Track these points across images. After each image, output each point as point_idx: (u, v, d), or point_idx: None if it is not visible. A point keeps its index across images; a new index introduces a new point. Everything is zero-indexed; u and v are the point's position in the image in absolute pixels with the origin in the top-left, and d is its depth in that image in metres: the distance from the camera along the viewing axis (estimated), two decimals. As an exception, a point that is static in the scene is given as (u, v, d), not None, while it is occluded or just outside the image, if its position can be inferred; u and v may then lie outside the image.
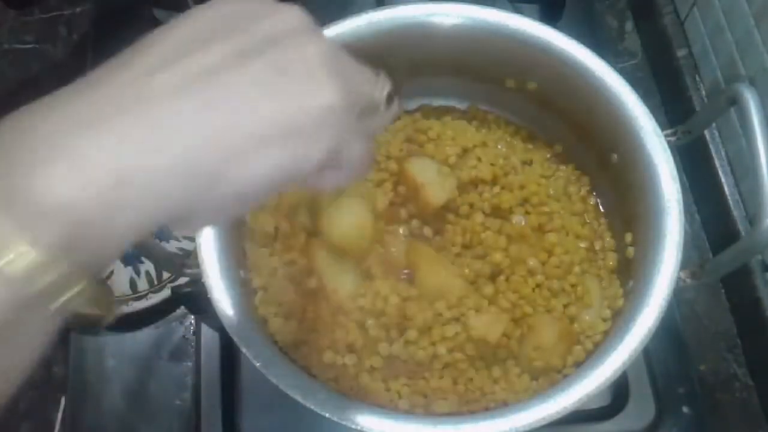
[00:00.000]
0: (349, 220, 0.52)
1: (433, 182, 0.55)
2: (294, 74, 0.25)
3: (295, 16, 0.27)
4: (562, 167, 0.59)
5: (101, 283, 0.23)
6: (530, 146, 0.60)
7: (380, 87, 0.30)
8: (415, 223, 0.55)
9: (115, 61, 0.25)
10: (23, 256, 0.21)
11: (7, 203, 0.21)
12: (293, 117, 0.25)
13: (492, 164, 0.57)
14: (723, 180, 0.66)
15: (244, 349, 0.46)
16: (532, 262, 0.53)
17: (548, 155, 0.60)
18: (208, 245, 0.48)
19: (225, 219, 0.31)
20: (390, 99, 0.30)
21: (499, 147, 0.59)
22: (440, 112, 0.61)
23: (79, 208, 0.22)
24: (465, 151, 0.58)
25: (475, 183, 0.56)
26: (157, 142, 0.23)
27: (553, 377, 0.51)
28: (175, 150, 0.23)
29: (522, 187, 0.56)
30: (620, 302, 0.52)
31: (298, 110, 0.25)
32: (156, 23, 0.76)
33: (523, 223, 0.55)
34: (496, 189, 0.56)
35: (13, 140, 0.23)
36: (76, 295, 0.22)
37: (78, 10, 0.81)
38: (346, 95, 0.26)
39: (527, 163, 0.59)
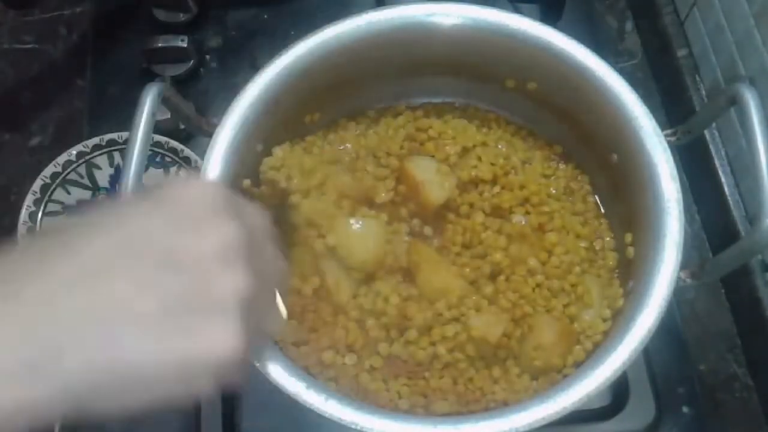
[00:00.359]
0: (367, 245, 0.52)
1: (433, 181, 0.55)
2: (205, 315, 0.27)
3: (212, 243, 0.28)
4: (563, 166, 0.59)
5: None
6: (530, 145, 0.60)
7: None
8: (415, 221, 0.55)
9: (23, 267, 0.26)
10: None
11: None
12: (187, 362, 0.27)
13: (492, 164, 0.57)
14: (723, 180, 0.66)
15: (244, 349, 0.46)
16: (532, 262, 0.53)
17: (548, 155, 0.60)
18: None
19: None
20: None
21: (500, 147, 0.59)
22: (441, 111, 0.61)
23: None
24: (465, 150, 0.58)
25: (475, 182, 0.56)
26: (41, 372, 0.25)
27: (552, 377, 0.51)
28: (59, 384, 0.25)
29: (522, 187, 0.56)
30: (620, 302, 0.52)
31: (195, 357, 0.27)
32: (156, 23, 0.76)
33: (523, 222, 0.55)
34: (497, 188, 0.56)
35: None
36: None
37: (78, 10, 0.81)
38: (245, 341, 0.28)
39: (527, 162, 0.59)
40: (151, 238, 0.27)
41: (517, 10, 0.66)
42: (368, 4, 0.67)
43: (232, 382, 0.29)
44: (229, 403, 0.60)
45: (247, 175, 0.54)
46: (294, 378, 0.45)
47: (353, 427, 0.44)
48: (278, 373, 0.45)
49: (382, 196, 0.55)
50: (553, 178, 0.58)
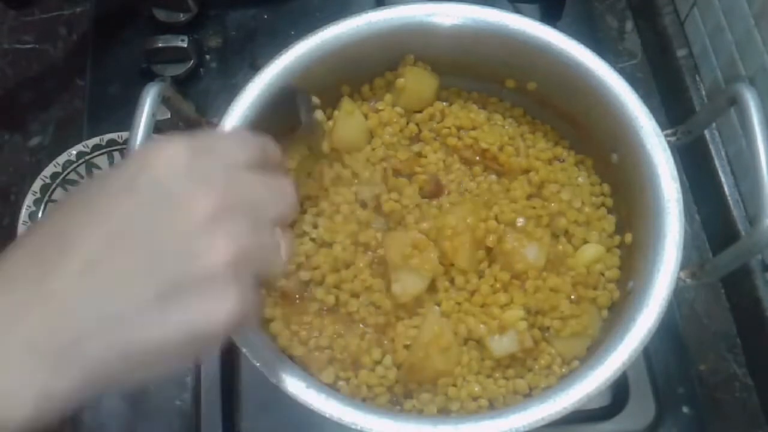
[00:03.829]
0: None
1: None
2: (198, 289, 0.29)
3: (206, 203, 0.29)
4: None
5: None
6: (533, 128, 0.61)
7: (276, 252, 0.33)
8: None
9: (39, 255, 0.28)
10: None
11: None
12: (195, 335, 0.29)
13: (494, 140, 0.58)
14: (723, 180, 0.66)
15: (244, 350, 0.46)
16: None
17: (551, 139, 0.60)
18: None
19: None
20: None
21: (505, 126, 0.60)
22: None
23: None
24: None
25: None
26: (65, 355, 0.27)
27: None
28: (82, 371, 0.27)
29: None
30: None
31: (201, 331, 0.29)
32: (156, 23, 0.76)
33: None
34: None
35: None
36: None
37: (78, 10, 0.81)
38: (243, 303, 0.29)
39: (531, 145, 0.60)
40: (131, 228, 0.28)
41: (517, 10, 0.66)
42: (368, 4, 0.67)
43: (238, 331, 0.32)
44: (229, 403, 0.60)
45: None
46: (294, 378, 0.45)
47: (353, 427, 0.44)
48: (278, 373, 0.45)
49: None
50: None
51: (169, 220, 0.29)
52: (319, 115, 0.55)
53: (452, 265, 0.53)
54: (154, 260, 0.28)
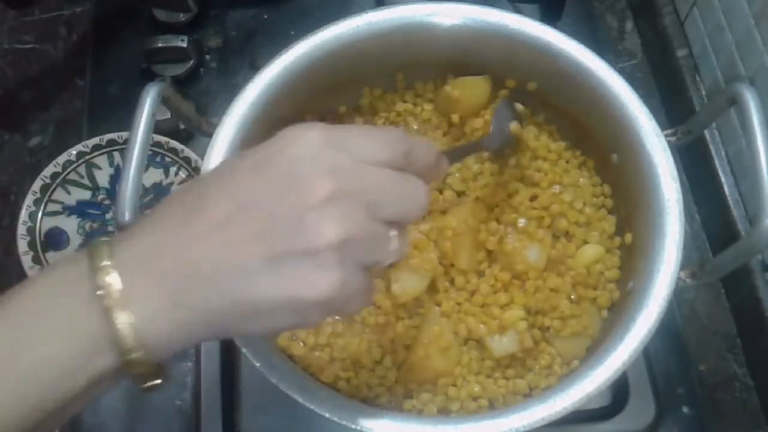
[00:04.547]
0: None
1: None
2: (304, 260, 0.32)
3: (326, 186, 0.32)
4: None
5: (160, 366, 0.33)
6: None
7: (390, 246, 0.34)
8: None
9: (175, 218, 0.34)
10: (139, 352, 0.32)
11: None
12: (295, 300, 0.32)
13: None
14: (723, 180, 0.66)
15: (244, 349, 0.46)
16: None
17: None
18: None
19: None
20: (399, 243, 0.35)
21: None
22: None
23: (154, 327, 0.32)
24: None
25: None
26: (195, 304, 0.32)
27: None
28: (202, 310, 0.32)
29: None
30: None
31: (300, 297, 0.32)
32: (156, 23, 0.76)
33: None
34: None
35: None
36: (145, 371, 0.33)
37: (78, 10, 0.81)
38: (342, 284, 0.32)
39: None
40: (259, 200, 0.32)
41: (517, 10, 0.66)
42: (368, 4, 0.67)
43: (345, 312, 0.35)
44: (229, 403, 0.60)
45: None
46: (294, 378, 0.45)
47: (353, 427, 0.44)
48: (278, 373, 0.45)
49: None
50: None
51: (289, 197, 0.32)
52: (515, 126, 0.55)
53: (452, 265, 0.53)
54: (270, 229, 0.32)
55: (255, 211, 0.32)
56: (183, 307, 0.32)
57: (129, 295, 0.31)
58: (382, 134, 0.36)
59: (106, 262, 0.32)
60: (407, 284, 0.51)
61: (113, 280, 0.31)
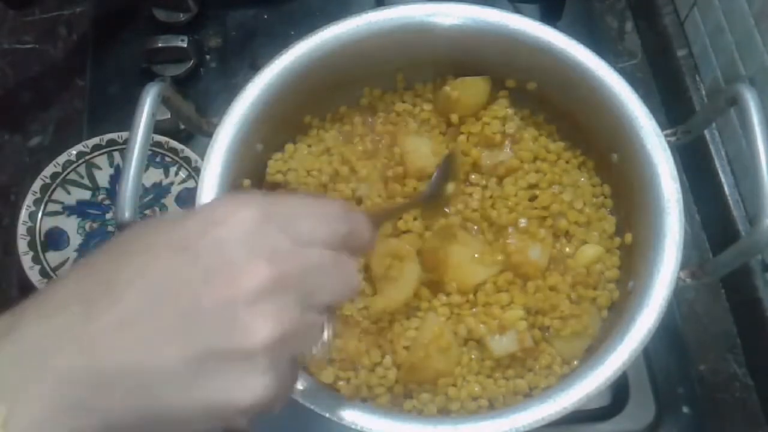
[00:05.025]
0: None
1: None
2: (233, 362, 0.28)
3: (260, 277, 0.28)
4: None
5: None
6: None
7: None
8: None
9: (71, 306, 0.28)
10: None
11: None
12: (220, 408, 0.28)
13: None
14: (723, 180, 0.66)
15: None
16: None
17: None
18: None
19: None
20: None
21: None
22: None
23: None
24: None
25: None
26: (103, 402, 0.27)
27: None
28: (102, 422, 0.27)
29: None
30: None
31: (228, 404, 0.28)
32: (156, 23, 0.76)
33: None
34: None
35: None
36: None
37: (78, 10, 0.81)
38: (273, 386, 0.29)
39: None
40: (180, 288, 0.28)
41: (517, 10, 0.66)
42: (368, 4, 0.67)
43: (270, 410, 0.31)
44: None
45: (247, 175, 0.54)
46: (294, 378, 0.45)
47: (353, 427, 0.44)
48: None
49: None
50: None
51: (218, 286, 0.28)
52: (451, 188, 0.54)
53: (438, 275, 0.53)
54: (193, 325, 0.28)
55: (173, 302, 0.28)
56: (78, 417, 0.27)
57: (13, 398, 0.26)
58: (322, 211, 0.33)
59: None
60: (391, 294, 0.51)
61: None
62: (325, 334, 0.33)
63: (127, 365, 0.27)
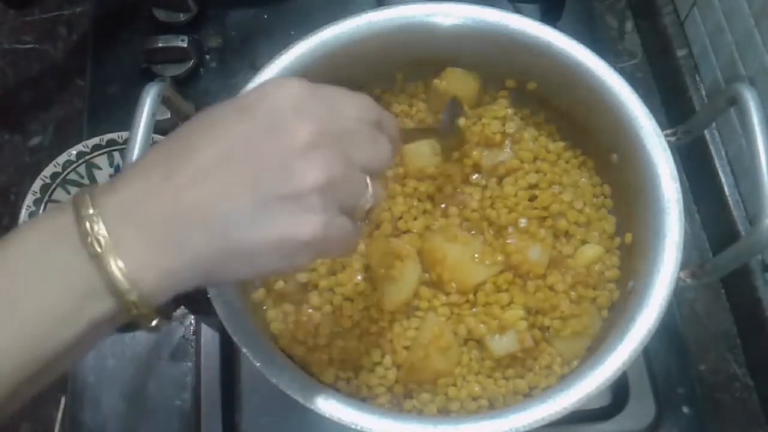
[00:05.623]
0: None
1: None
2: (290, 204, 0.33)
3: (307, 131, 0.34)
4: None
5: (156, 310, 0.33)
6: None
7: (364, 193, 0.36)
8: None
9: (164, 161, 0.34)
10: (134, 294, 0.32)
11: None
12: (283, 242, 0.33)
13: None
14: (723, 180, 0.66)
15: (244, 349, 0.46)
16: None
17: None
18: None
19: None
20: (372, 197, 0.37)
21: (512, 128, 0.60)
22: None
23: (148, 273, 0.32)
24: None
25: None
26: (183, 252, 0.33)
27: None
28: (191, 255, 0.33)
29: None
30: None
31: (289, 239, 0.33)
32: (156, 23, 0.76)
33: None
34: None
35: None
36: (143, 320, 0.33)
37: (78, 10, 0.81)
38: (327, 224, 0.34)
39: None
40: (245, 146, 0.33)
41: (517, 10, 0.66)
42: (368, 4, 0.67)
43: (331, 254, 0.37)
44: (229, 403, 0.60)
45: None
46: (294, 378, 0.45)
47: (353, 427, 0.44)
48: (278, 373, 0.45)
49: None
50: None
51: (274, 142, 0.33)
52: (462, 122, 0.57)
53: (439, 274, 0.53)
54: (258, 174, 0.33)
55: (242, 157, 0.33)
56: (171, 253, 0.32)
57: (116, 242, 0.31)
58: (357, 97, 0.38)
59: (89, 211, 0.32)
60: (391, 293, 0.51)
61: (99, 227, 0.31)
62: (370, 192, 0.37)
63: (207, 208, 0.32)
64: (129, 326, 0.34)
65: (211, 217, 0.32)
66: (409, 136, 0.52)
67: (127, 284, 0.31)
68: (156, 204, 0.32)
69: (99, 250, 0.31)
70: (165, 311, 0.34)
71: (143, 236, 0.32)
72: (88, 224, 0.31)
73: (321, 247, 0.34)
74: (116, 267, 0.31)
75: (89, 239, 0.31)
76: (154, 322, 0.34)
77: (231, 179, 0.33)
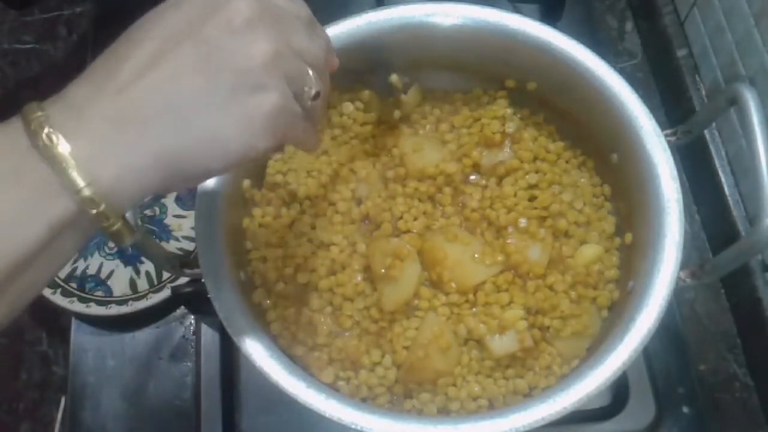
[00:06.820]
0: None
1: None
2: (242, 81, 0.33)
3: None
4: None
5: (124, 220, 0.33)
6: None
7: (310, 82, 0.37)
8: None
9: (104, 64, 0.34)
10: (90, 189, 0.31)
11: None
12: (247, 117, 0.33)
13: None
14: (723, 180, 0.66)
15: (244, 349, 0.46)
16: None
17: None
18: (208, 246, 0.49)
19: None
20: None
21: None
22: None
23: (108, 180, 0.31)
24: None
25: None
26: (141, 147, 0.32)
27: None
28: (151, 147, 0.32)
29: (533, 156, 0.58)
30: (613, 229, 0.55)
31: (248, 115, 0.33)
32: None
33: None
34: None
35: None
36: (107, 225, 0.32)
37: (78, 10, 0.81)
38: (284, 96, 0.34)
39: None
40: (185, 31, 0.33)
41: (517, 10, 0.66)
42: (368, 4, 0.67)
43: (290, 135, 0.36)
44: (229, 403, 0.60)
45: (247, 176, 0.54)
46: (294, 378, 0.45)
47: (353, 427, 0.44)
48: (278, 373, 0.45)
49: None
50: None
51: (216, 21, 0.33)
52: (394, 79, 0.58)
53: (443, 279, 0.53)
54: (204, 55, 0.33)
55: (186, 41, 0.33)
56: (128, 147, 0.31)
57: (67, 137, 0.31)
58: (300, 3, 0.38)
59: (37, 113, 0.31)
60: (391, 293, 0.51)
61: (48, 128, 0.31)
62: (311, 74, 0.37)
63: (159, 97, 0.32)
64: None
65: (166, 104, 0.32)
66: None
67: (82, 179, 0.30)
68: (105, 101, 0.32)
69: (50, 146, 0.30)
70: (130, 224, 0.34)
71: (95, 133, 0.31)
72: (36, 125, 0.31)
73: (282, 121, 0.34)
74: (69, 163, 0.30)
75: (39, 141, 0.30)
76: (127, 239, 0.33)
77: (179, 64, 0.32)
